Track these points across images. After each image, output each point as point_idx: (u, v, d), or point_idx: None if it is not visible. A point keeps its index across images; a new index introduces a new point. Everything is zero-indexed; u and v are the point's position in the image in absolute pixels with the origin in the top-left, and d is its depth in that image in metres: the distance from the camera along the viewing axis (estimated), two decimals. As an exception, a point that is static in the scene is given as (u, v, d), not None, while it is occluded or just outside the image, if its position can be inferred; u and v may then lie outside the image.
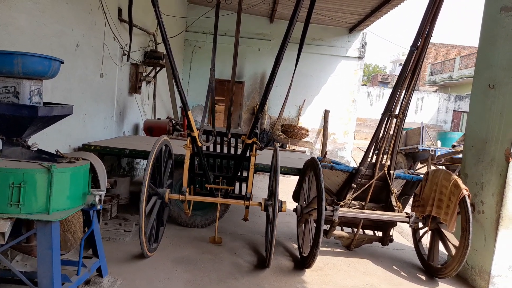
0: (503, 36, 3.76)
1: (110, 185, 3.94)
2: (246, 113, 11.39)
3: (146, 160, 3.54)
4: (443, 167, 8.97)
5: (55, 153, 2.74)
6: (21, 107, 2.43)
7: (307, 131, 9.62)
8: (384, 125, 4.02)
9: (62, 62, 2.74)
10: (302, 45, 3.42)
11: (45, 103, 2.77)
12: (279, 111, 4.09)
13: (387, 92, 24.80)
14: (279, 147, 8.84)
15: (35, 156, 2.57)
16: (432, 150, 7.92)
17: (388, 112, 3.95)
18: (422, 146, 8.27)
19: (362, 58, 11.26)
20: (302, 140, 9.42)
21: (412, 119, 22.65)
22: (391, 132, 4.09)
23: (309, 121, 11.23)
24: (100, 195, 2.71)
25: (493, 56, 3.88)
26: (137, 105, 6.89)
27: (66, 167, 2.49)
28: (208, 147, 4.15)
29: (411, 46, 3.73)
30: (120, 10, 5.71)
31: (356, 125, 12.78)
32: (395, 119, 3.99)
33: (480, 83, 4.06)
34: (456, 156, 7.85)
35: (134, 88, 6.53)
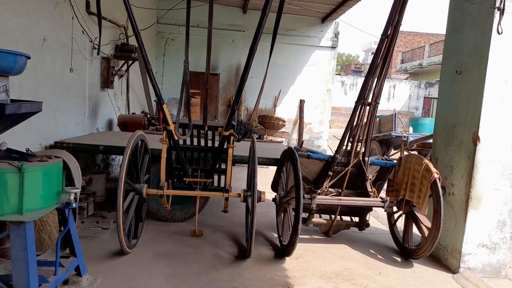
0: (469, 23, 3.89)
1: (85, 182, 3.86)
2: (222, 105, 11.33)
3: (122, 156, 3.49)
4: (415, 152, 9.25)
5: (25, 152, 2.66)
6: (-13, 105, 2.34)
7: (284, 121, 9.68)
8: (358, 113, 4.10)
9: (29, 58, 2.64)
10: (275, 35, 3.43)
11: (12, 101, 2.67)
12: (257, 103, 4.10)
13: (361, 80, 25.18)
14: (257, 138, 8.85)
15: (4, 156, 2.49)
16: (404, 136, 8.14)
17: (361, 100, 4.03)
18: (395, 133, 8.49)
19: (335, 47, 11.37)
20: (279, 130, 9.48)
21: (385, 107, 23.14)
22: (365, 120, 4.18)
23: (286, 111, 11.29)
24: (75, 193, 2.67)
25: (459, 43, 4.01)
26: (110, 100, 6.73)
27: (38, 166, 2.43)
28: (185, 141, 4.12)
29: (382, 35, 3.81)
30: (88, 3, 5.53)
31: (331, 114, 12.96)
32: (368, 107, 4.07)
33: (448, 69, 4.19)
34: (428, 141, 8.11)
35: (106, 83, 6.37)
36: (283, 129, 9.95)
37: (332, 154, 4.30)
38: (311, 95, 11.38)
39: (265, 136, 9.57)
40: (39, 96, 4.19)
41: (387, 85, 24.70)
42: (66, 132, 5.00)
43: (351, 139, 4.23)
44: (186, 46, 3.48)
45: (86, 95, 5.72)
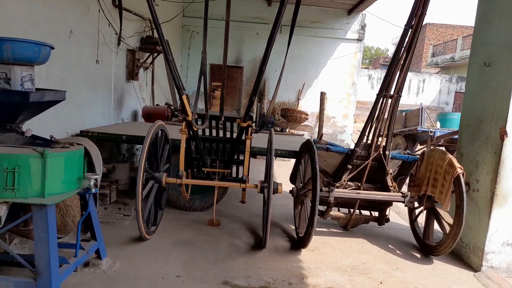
0: (499, 13, 3.72)
1: (107, 170, 3.98)
2: (245, 98, 11.36)
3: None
4: (442, 148, 8.97)
5: (49, 138, 2.77)
6: (13, 93, 2.46)
7: (307, 115, 9.61)
8: (379, 105, 4.01)
9: (53, 48, 2.74)
10: (293, 27, 3.41)
11: (38, 89, 2.79)
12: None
13: (389, 74, 24.58)
14: (279, 131, 8.82)
15: (29, 142, 2.61)
16: (431, 131, 7.90)
17: (383, 92, 3.94)
18: (421, 128, 8.26)
19: (361, 40, 11.15)
20: (302, 124, 9.42)
21: (414, 101, 22.50)
22: (386, 113, 4.09)
23: (309, 104, 11.21)
24: (95, 179, 2.76)
25: (488, 34, 3.84)
26: (135, 92, 6.89)
27: (60, 152, 2.53)
28: (204, 131, 4.17)
29: (405, 25, 3.70)
30: (114, -4, 5.66)
31: (356, 109, 12.75)
32: (390, 100, 3.98)
33: (476, 61, 4.03)
34: (455, 137, 7.84)
35: (132, 75, 6.52)
36: (305, 123, 9.88)
37: (349, 148, 4.24)
38: (335, 88, 11.23)
39: (287, 129, 9.53)
40: (66, 86, 4.34)
41: (416, 79, 24.02)
42: (92, 122, 5.16)
43: (371, 132, 4.15)
44: (204, 36, 3.53)
45: (111, 87, 5.87)
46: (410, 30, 3.70)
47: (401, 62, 3.82)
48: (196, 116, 3.87)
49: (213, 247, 3.74)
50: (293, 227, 4.47)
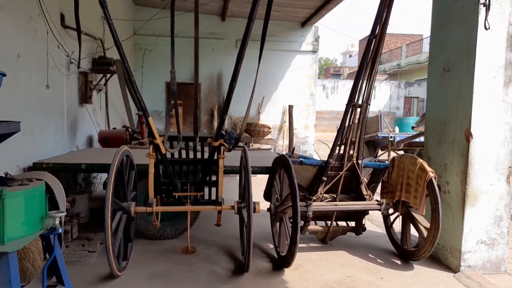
0: (454, 20, 3.89)
1: (69, 204, 3.64)
2: (205, 115, 11.18)
3: (105, 174, 3.30)
4: (402, 152, 9.30)
5: (4, 175, 2.46)
6: (-42, 128, 2.15)
7: (269, 128, 9.60)
8: (348, 116, 4.02)
9: (4, 75, 2.46)
10: (263, 42, 3.34)
11: (-14, 121, 2.48)
12: (245, 111, 3.96)
13: (341, 84, 25.47)
14: (231, 146, 8.71)
15: (-20, 182, 2.29)
16: (391, 137, 8.16)
17: (352, 102, 3.96)
18: (382, 134, 8.51)
19: (316, 51, 11.41)
20: (265, 137, 9.39)
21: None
22: (356, 122, 4.11)
23: (270, 118, 11.24)
24: (60, 217, 2.48)
25: (446, 40, 4.00)
26: (89, 116, 6.50)
27: (18, 191, 2.23)
28: (172, 154, 3.96)
29: (370, 35, 3.76)
30: (62, 16, 5.34)
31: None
32: (359, 109, 4.01)
33: (435, 67, 4.18)
34: (414, 140, 8.15)
35: (85, 98, 6.15)
36: (268, 136, 9.86)
37: (323, 159, 4.21)
38: (294, 100, 11.36)
39: (251, 144, 9.46)
40: (15, 115, 3.97)
41: (366, 86, 24.99)
42: (45, 152, 4.75)
43: (343, 143, 4.15)
44: (172, 54, 3.35)
45: (64, 112, 5.48)
46: (374, 39, 3.76)
47: (368, 71, 3.86)
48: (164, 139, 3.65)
49: (192, 277, 3.51)
50: (272, 246, 4.34)
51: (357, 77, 3.89)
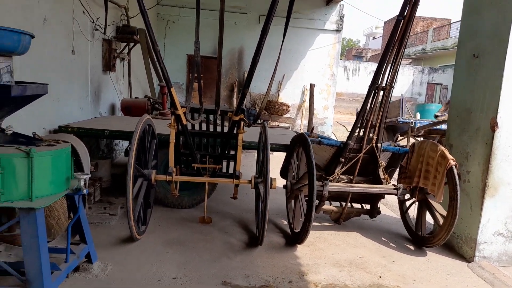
0: (487, 4, 3.74)
1: (93, 167, 3.75)
2: (225, 90, 11.16)
3: (127, 141, 3.38)
4: (421, 139, 9.15)
5: (32, 136, 2.54)
6: (-8, 86, 2.22)
7: (288, 106, 9.55)
8: (371, 98, 3.97)
9: (33, 36, 2.51)
10: (289, 18, 3.29)
11: (16, 82, 2.55)
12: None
13: (363, 66, 24.92)
14: (261, 123, 8.72)
15: (11, 140, 2.37)
16: (411, 122, 8.02)
17: (375, 84, 3.90)
18: (402, 119, 8.37)
19: (340, 31, 11.15)
20: (284, 116, 9.35)
21: (387, 92, 22.92)
22: (377, 105, 4.06)
23: (289, 96, 11.14)
24: (85, 179, 2.56)
25: (477, 25, 3.86)
26: (112, 84, 6.57)
27: (46, 151, 2.32)
28: (193, 126, 4.00)
29: (398, 16, 3.65)
30: (89, -19, 5.33)
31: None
32: (382, 92, 3.95)
33: (464, 52, 4.05)
34: (435, 127, 8.00)
35: (108, 66, 6.21)
36: (287, 115, 9.82)
37: (342, 140, 4.19)
38: (315, 80, 11.20)
39: (269, 122, 9.44)
40: (42, 78, 4.04)
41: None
42: (70, 116, 4.86)
43: (363, 125, 4.11)
44: (197, 26, 3.33)
45: (88, 78, 5.56)
46: (403, 20, 3.65)
47: (394, 53, 3.77)
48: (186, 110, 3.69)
49: (207, 246, 3.61)
50: (285, 222, 4.41)
51: (382, 58, 3.81)
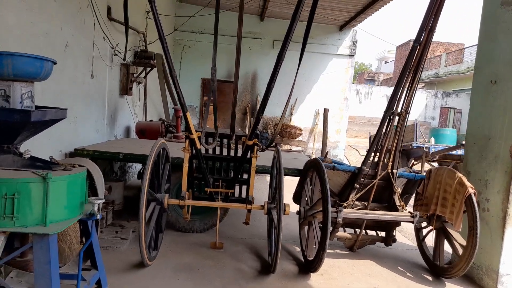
0: (504, 30, 3.73)
1: (107, 191, 3.76)
2: (238, 113, 11.25)
3: (140, 164, 3.39)
4: (436, 164, 8.99)
5: (49, 160, 2.57)
6: (13, 111, 2.26)
7: (301, 130, 9.54)
8: (386, 123, 3.93)
9: (55, 63, 2.57)
10: (305, 43, 3.32)
11: (36, 107, 2.60)
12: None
13: (376, 89, 24.92)
14: (273, 146, 8.71)
15: (28, 164, 2.40)
16: (426, 147, 7.91)
17: (390, 110, 3.87)
18: (416, 144, 8.27)
19: (353, 55, 11.24)
20: (296, 139, 9.34)
21: (401, 116, 22.78)
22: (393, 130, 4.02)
23: (302, 120, 11.16)
24: (99, 204, 2.56)
25: (494, 51, 3.84)
26: (128, 107, 6.69)
27: (62, 175, 2.33)
28: (206, 150, 4.01)
29: (414, 42, 3.66)
30: (109, 9, 5.52)
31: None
32: (397, 117, 3.91)
33: (481, 78, 4.02)
34: (450, 153, 7.87)
35: (125, 90, 6.34)
36: (299, 138, 9.80)
37: (356, 166, 4.14)
38: (327, 103, 11.22)
39: (281, 145, 9.43)
40: (61, 102, 4.14)
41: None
42: (86, 139, 4.94)
43: (378, 150, 4.06)
44: (214, 51, 3.40)
45: (105, 102, 5.68)
46: (419, 47, 3.65)
47: (410, 79, 3.76)
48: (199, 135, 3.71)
49: (218, 273, 3.54)
50: (298, 249, 4.32)
51: (398, 84, 3.80)
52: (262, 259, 3.97)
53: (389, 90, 24.73)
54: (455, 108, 24.29)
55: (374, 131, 12.51)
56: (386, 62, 50.94)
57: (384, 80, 39.89)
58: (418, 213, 3.91)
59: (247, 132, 7.57)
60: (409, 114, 3.89)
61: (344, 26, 10.80)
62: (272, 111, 10.86)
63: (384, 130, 3.96)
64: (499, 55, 3.77)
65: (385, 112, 3.91)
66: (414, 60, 3.69)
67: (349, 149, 12.32)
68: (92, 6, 4.85)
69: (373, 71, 49.45)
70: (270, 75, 3.33)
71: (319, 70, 11.20)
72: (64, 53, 4.24)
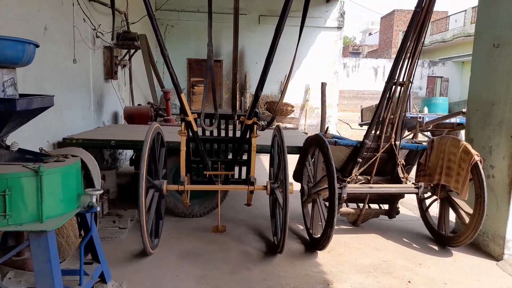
0: (506, -8, 3.58)
1: (103, 181, 3.60)
2: (227, 92, 11.02)
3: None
4: (428, 133, 8.99)
5: (39, 151, 2.39)
6: (-5, 101, 2.06)
7: (292, 107, 9.41)
8: (388, 94, 3.81)
9: (37, 46, 2.37)
10: (305, 16, 3.15)
11: (20, 95, 2.40)
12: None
13: (363, 62, 24.75)
14: (265, 125, 8.58)
15: (17, 157, 2.22)
16: (420, 117, 7.87)
17: (392, 80, 3.74)
18: (410, 114, 8.22)
19: (341, 28, 11.01)
20: (288, 116, 9.20)
21: (388, 88, 22.76)
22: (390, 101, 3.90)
23: (292, 96, 10.98)
24: (97, 195, 2.41)
25: (496, 14, 3.71)
26: (114, 92, 6.42)
27: (55, 167, 2.16)
28: (203, 132, 3.85)
29: (416, 7, 3.50)
30: (88, -12, 5.18)
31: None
32: (400, 87, 3.79)
33: (482, 43, 3.90)
34: (443, 121, 7.85)
35: (110, 74, 6.06)
36: (291, 115, 9.67)
37: (358, 140, 4.04)
38: (317, 78, 11.04)
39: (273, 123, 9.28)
40: (44, 89, 3.90)
41: (389, 65, 24.30)
42: (73, 128, 4.71)
43: (380, 123, 3.95)
44: (209, 27, 3.20)
45: (90, 88, 5.41)
46: (421, 12, 3.50)
47: (412, 46, 3.62)
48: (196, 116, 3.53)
49: (224, 257, 3.45)
50: (301, 227, 4.25)
51: (399, 52, 3.66)
52: (266, 239, 3.89)
53: (377, 62, 24.63)
54: (441, 77, 24.35)
55: (363, 104, 12.37)
56: (370, 34, 50.59)
57: (370, 52, 39.69)
58: (422, 184, 3.86)
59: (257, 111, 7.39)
60: (412, 83, 3.77)
61: (331, -3, 10.53)
62: (264, 89, 10.64)
63: (385, 101, 3.84)
64: (502, 18, 3.64)
65: (387, 82, 3.79)
66: (416, 26, 3.53)
67: (340, 123, 12.26)
68: (70, -15, 4.53)
69: (358, 44, 49.15)
70: (268, 50, 3.16)
71: (307, 45, 10.97)
72: (43, 37, 3.96)
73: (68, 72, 4.61)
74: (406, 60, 3.67)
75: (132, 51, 6.80)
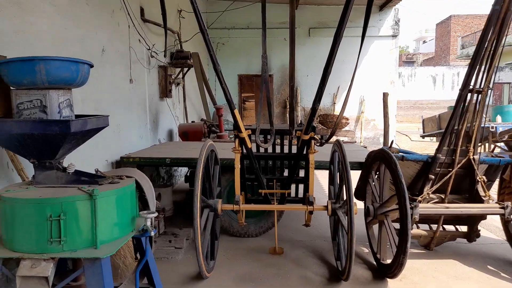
0: None
1: (158, 202, 3.53)
2: (277, 107, 10.87)
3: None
4: (502, 144, 8.13)
5: (94, 173, 2.33)
6: (51, 123, 2.02)
7: (347, 119, 9.02)
8: (463, 103, 3.40)
9: (92, 66, 2.33)
10: (366, 26, 2.91)
11: (77, 116, 2.37)
12: (345, 103, 3.51)
13: (419, 70, 23.57)
14: (320, 138, 8.26)
15: (73, 180, 2.17)
16: (492, 127, 7.14)
17: (468, 87, 3.34)
18: (482, 124, 7.48)
19: (396, 35, 10.49)
20: (343, 129, 8.82)
21: (450, 96, 21.42)
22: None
23: (347, 108, 10.52)
24: (151, 218, 2.29)
25: None
26: (169, 110, 6.51)
27: (110, 190, 2.07)
28: (258, 148, 3.67)
29: (494, 5, 3.10)
30: (142, 10, 5.32)
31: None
32: (477, 95, 3.38)
33: None
34: (522, 130, 7.04)
35: (165, 92, 6.15)
36: (346, 128, 9.27)
37: (429, 154, 3.64)
38: (372, 89, 10.57)
39: (326, 136, 8.94)
40: (102, 109, 3.96)
41: (449, 72, 22.92)
42: (130, 146, 4.77)
43: (455, 135, 3.54)
44: (264, 38, 3.04)
45: (146, 106, 5.50)
46: (501, 9, 3.09)
47: (490, 48, 3.21)
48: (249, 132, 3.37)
49: (283, 282, 3.21)
50: (366, 250, 3.89)
51: (475, 56, 3.26)
52: (328, 264, 3.58)
53: (435, 70, 23.36)
54: (509, 83, 22.43)
55: (423, 115, 11.57)
56: (424, 42, 48.44)
57: (425, 60, 37.85)
58: (509, 203, 3.36)
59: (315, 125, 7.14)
60: (492, 90, 3.34)
61: (384, 5, 10.08)
62: (311, 102, 10.37)
63: (460, 111, 3.43)
64: None
65: (461, 90, 3.38)
66: (495, 25, 3.13)
67: (399, 135, 11.59)
68: (125, 8, 4.64)
69: (411, 53, 47.17)
70: (326, 60, 2.94)
71: (361, 55, 10.52)
72: (101, 58, 4.05)
73: (125, 92, 4.69)
74: (483, 65, 3.25)
75: (186, 69, 6.89)
